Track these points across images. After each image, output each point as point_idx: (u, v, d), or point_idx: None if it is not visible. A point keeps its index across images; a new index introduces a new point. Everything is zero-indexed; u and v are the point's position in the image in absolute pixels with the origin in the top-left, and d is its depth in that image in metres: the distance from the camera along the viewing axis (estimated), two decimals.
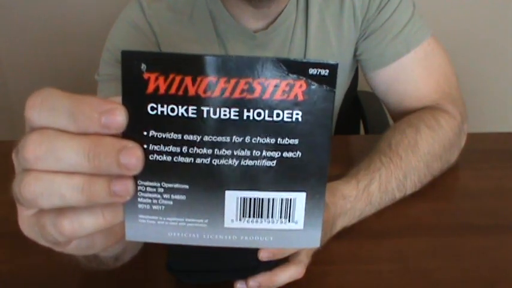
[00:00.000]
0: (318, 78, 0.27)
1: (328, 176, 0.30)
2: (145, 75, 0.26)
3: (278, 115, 0.27)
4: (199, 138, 0.27)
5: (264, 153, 0.28)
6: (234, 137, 0.28)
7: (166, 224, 0.29)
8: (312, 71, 0.27)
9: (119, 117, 0.26)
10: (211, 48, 0.76)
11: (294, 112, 0.27)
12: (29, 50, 1.53)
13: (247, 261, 0.47)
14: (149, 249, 0.44)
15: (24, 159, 0.26)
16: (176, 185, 0.28)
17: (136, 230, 0.29)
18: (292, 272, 0.49)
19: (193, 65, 0.26)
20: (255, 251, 0.46)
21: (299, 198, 0.30)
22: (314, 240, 0.31)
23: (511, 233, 0.60)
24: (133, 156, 0.26)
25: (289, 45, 0.78)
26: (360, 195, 0.60)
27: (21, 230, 0.30)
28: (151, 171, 0.28)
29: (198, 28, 0.76)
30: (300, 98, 0.27)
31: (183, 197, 0.29)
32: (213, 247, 0.31)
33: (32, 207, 0.28)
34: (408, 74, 0.76)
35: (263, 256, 0.47)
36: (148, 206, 0.29)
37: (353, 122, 1.12)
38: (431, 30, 0.77)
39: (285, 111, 0.27)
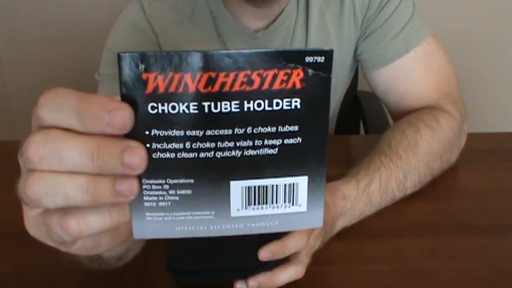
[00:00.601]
0: (314, 66, 0.27)
1: (328, 176, 0.31)
2: (144, 76, 0.26)
3: (278, 104, 0.28)
4: (201, 133, 0.28)
5: (266, 142, 0.29)
6: (236, 129, 0.28)
7: (173, 219, 0.30)
8: (308, 59, 0.27)
9: (125, 117, 0.26)
10: (211, 48, 0.76)
11: (293, 100, 0.28)
12: (29, 50, 1.53)
13: (247, 261, 0.47)
14: (149, 249, 0.44)
15: (28, 159, 0.26)
16: (181, 181, 0.29)
17: (143, 228, 0.29)
18: (292, 272, 0.49)
19: (191, 62, 0.26)
20: (255, 251, 0.47)
21: (301, 182, 0.30)
22: (317, 220, 0.32)
23: (511, 233, 0.60)
24: (136, 156, 0.26)
25: (289, 44, 0.78)
26: (360, 195, 0.60)
27: (21, 230, 0.30)
28: (156, 169, 0.28)
29: (198, 28, 0.76)
30: (298, 86, 0.28)
31: (188, 192, 0.29)
32: (214, 246, 0.31)
33: (37, 207, 0.28)
34: (408, 73, 0.76)
35: (263, 256, 0.47)
36: (154, 204, 0.29)
37: (353, 122, 1.12)
38: (431, 30, 0.77)
39: (284, 100, 0.28)
